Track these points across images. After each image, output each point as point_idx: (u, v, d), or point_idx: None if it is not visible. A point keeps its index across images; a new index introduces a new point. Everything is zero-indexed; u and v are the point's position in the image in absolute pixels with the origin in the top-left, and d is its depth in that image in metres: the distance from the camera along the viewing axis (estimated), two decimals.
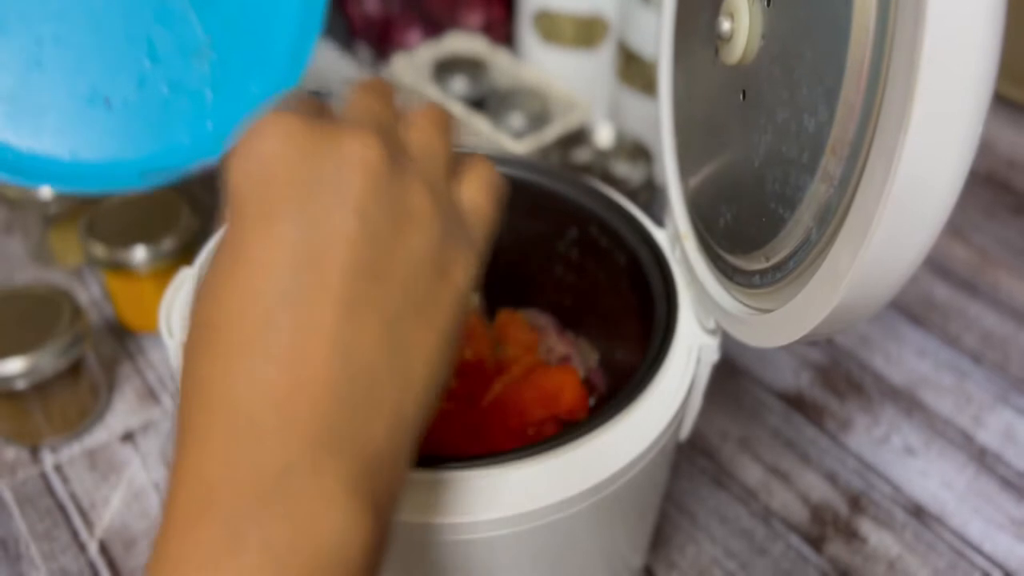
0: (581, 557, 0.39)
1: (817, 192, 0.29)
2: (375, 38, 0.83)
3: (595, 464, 0.34)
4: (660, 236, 0.44)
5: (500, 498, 0.33)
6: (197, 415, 0.24)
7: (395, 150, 0.27)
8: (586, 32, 0.77)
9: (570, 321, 0.51)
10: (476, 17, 0.82)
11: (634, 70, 0.71)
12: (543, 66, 0.78)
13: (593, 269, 0.48)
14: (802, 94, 0.30)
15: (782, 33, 0.31)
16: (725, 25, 0.34)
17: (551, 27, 0.77)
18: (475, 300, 0.52)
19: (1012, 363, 0.64)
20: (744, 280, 0.36)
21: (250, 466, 0.23)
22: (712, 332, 0.40)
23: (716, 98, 0.37)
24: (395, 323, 0.26)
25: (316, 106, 0.28)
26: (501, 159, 0.48)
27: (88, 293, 0.66)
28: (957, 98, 0.24)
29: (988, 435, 0.59)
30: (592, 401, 0.47)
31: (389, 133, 0.27)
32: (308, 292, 0.24)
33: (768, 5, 0.32)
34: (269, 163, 0.25)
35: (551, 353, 0.50)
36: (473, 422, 0.43)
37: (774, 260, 0.33)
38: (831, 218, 0.29)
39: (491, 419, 0.43)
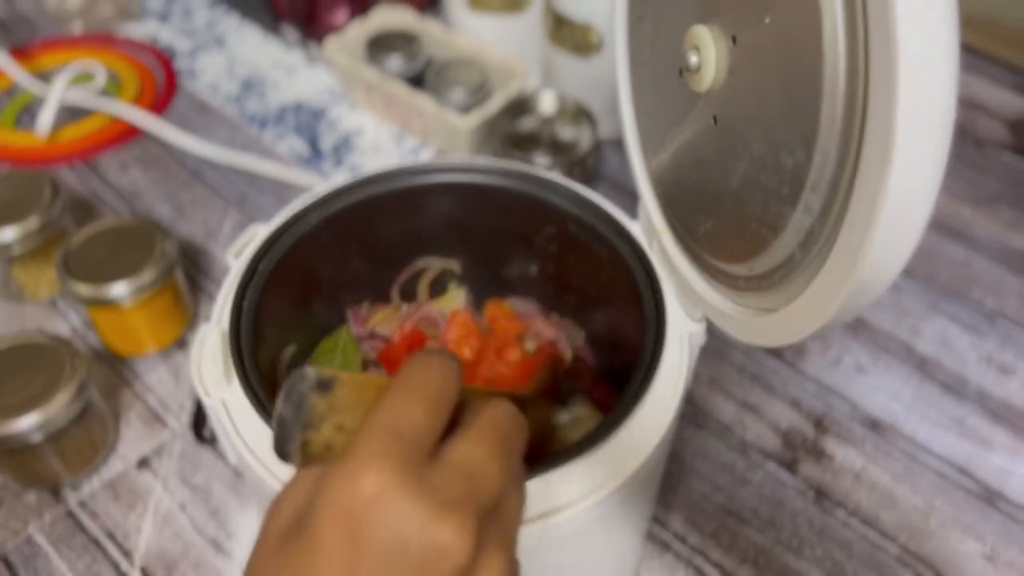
0: (619, 531, 0.44)
1: (799, 221, 0.33)
2: (301, 19, 0.82)
3: (621, 460, 0.39)
4: (635, 229, 0.48)
5: (557, 497, 0.37)
6: None
7: (483, 534, 0.26)
8: None
9: (553, 304, 0.55)
10: None
11: (564, 33, 0.73)
12: (473, 33, 0.80)
13: (573, 260, 0.51)
14: (777, 134, 0.33)
15: (751, 74, 0.34)
16: (692, 59, 0.37)
17: None
18: (462, 296, 0.55)
19: (939, 273, 0.71)
20: (728, 282, 0.40)
21: None
22: (699, 320, 0.44)
23: (684, 112, 0.41)
24: None
25: (420, 434, 0.27)
26: (472, 168, 0.51)
27: (67, 323, 0.66)
28: (932, 138, 0.27)
29: (925, 344, 0.66)
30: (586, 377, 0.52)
31: (486, 511, 0.27)
32: None
33: (735, 44, 0.35)
34: (360, 513, 0.25)
35: (539, 337, 0.54)
36: None
37: (758, 272, 0.37)
38: (814, 244, 0.33)
39: None
